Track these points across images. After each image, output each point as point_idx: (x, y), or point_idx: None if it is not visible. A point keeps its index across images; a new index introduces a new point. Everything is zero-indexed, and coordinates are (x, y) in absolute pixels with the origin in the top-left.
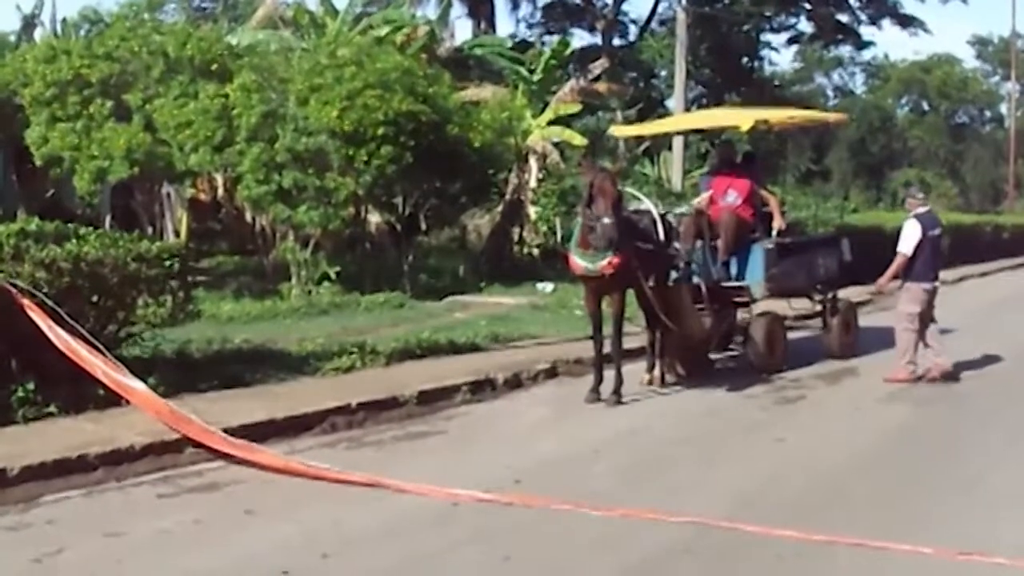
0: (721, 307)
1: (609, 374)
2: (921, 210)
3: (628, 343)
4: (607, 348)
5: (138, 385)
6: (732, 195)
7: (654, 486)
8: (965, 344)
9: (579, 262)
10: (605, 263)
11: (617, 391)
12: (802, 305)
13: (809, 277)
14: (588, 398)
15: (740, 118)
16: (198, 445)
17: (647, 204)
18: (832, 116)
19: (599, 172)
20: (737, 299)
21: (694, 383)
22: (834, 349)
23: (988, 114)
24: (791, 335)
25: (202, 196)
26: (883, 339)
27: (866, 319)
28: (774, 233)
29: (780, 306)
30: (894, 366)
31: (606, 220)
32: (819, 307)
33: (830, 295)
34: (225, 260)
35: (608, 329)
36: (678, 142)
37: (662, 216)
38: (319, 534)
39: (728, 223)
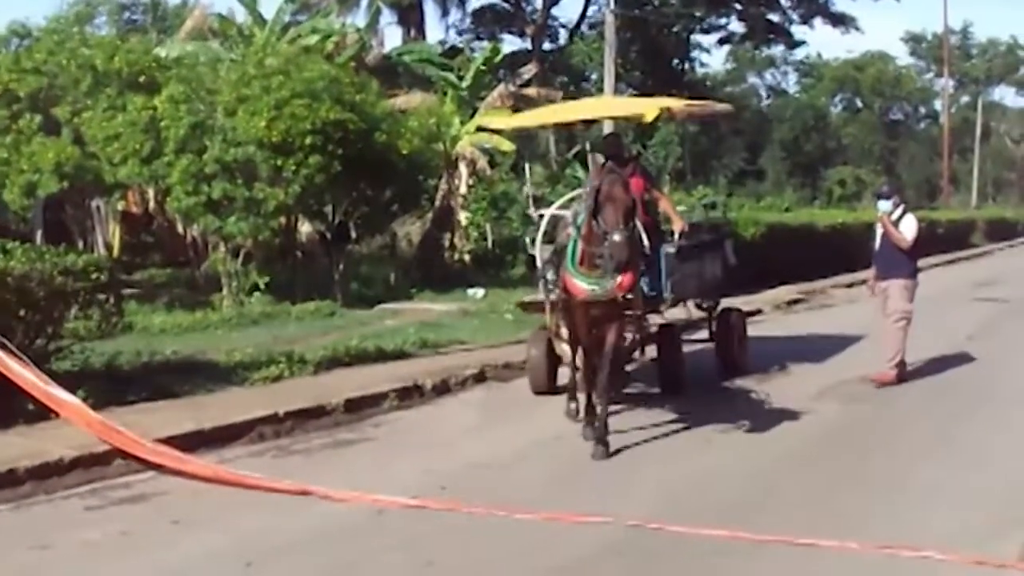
0: (639, 318)
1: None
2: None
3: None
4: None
5: (68, 397)
6: None
7: (581, 489)
8: None
9: (582, 285)
10: (616, 284)
11: (603, 439)
12: (674, 315)
13: (700, 283)
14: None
15: (643, 107)
16: (128, 456)
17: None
18: (719, 106)
19: (608, 175)
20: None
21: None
22: (724, 361)
23: (922, 110)
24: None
25: (134, 209)
26: (814, 337)
27: (798, 318)
28: (676, 236)
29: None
30: (885, 366)
31: (616, 237)
32: (705, 315)
33: (715, 303)
34: (157, 272)
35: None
36: (607, 130)
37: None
38: (245, 543)
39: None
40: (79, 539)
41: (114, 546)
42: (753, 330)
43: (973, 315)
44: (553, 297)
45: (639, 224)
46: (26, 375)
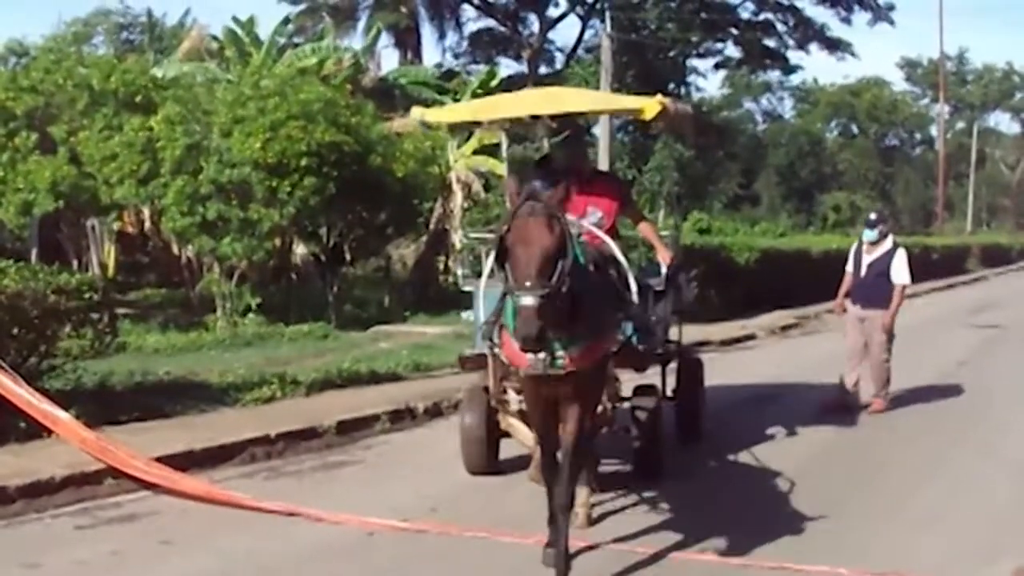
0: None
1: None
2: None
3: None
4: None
5: (62, 415)
6: (594, 216)
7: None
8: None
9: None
10: (576, 354)
11: (565, 565)
12: None
13: (665, 326)
14: None
15: (639, 101)
16: (122, 475)
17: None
18: (689, 108)
19: (526, 205)
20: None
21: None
22: (686, 419)
23: (918, 136)
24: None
25: (130, 229)
26: (808, 363)
27: (791, 343)
28: (663, 269)
29: None
30: (876, 397)
31: (525, 300)
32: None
33: (671, 349)
34: (152, 292)
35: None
36: (604, 155)
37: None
38: (234, 564)
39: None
40: (69, 558)
41: (104, 566)
42: (744, 357)
43: (966, 341)
44: (497, 353)
45: (622, 262)
46: (20, 392)
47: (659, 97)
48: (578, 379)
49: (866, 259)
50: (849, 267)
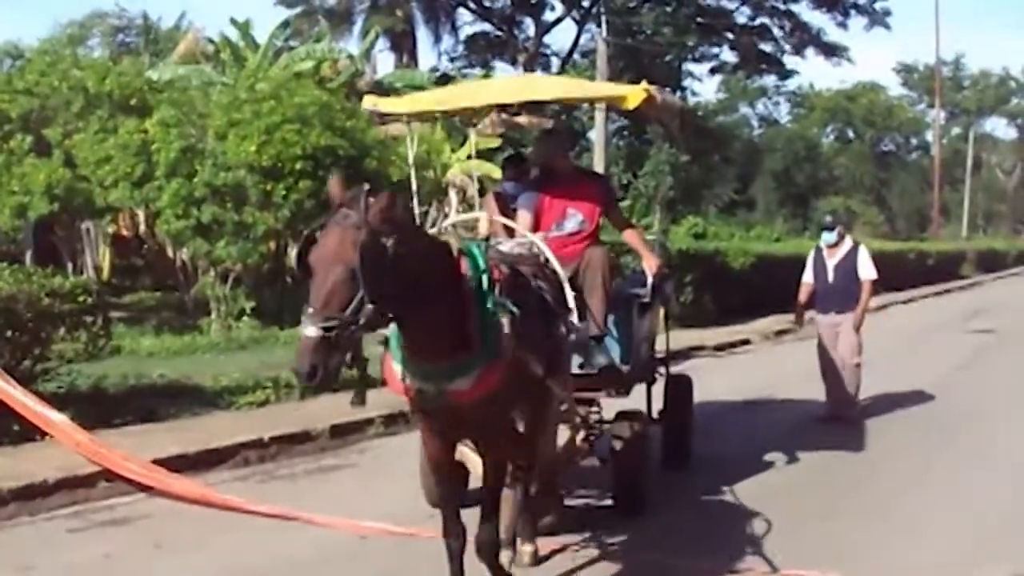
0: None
1: None
2: None
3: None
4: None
5: (57, 417)
6: (575, 219)
7: (565, 517)
8: (882, 372)
9: (409, 377)
10: (468, 382)
11: None
12: None
13: (650, 342)
14: None
15: (621, 89)
16: (116, 477)
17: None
18: (679, 100)
19: (339, 214)
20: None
21: None
22: (674, 445)
23: (914, 141)
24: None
25: (124, 232)
26: (802, 368)
27: (786, 347)
28: (649, 278)
29: None
30: (846, 403)
31: (306, 330)
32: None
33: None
34: (147, 295)
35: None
36: (599, 159)
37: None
38: (227, 567)
39: (598, 263)
40: (61, 561)
41: (96, 568)
42: (739, 362)
43: (961, 346)
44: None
45: (557, 270)
46: (15, 394)
47: (644, 84)
48: (480, 410)
49: (830, 263)
50: (809, 277)
